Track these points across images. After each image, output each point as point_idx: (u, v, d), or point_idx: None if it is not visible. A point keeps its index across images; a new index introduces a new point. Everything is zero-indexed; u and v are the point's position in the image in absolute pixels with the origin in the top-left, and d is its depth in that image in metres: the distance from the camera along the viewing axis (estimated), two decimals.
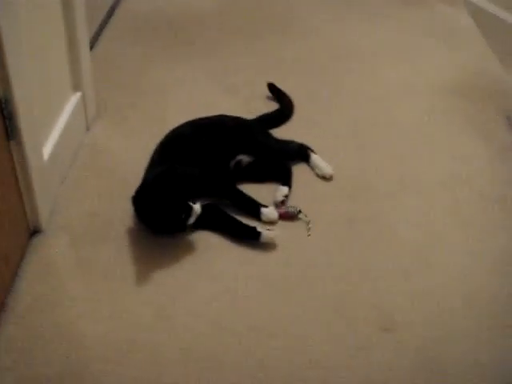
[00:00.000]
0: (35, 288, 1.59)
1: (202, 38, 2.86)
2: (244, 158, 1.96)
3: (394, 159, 2.15)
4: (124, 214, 1.82)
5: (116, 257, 1.70)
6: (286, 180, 1.97)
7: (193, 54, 2.72)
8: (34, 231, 1.74)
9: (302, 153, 2.09)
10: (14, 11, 1.45)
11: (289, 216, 1.84)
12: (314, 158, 2.06)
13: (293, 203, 1.87)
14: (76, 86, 2.05)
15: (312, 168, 2.06)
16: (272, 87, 2.41)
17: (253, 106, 2.32)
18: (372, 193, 2.00)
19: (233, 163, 1.95)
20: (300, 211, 1.84)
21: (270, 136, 2.11)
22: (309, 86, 2.53)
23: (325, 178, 2.03)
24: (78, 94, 2.05)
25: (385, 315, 1.59)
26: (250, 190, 1.90)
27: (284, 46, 2.84)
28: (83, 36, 2.03)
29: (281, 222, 1.83)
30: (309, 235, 1.80)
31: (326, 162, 2.05)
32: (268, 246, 1.75)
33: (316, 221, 1.84)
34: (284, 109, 2.32)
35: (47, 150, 1.77)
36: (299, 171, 2.03)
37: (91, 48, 2.53)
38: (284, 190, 1.92)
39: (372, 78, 2.64)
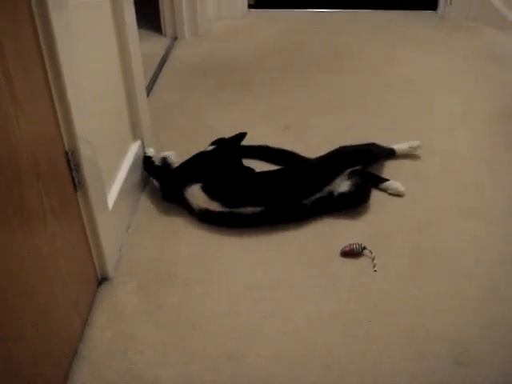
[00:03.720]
0: (106, 335, 1.61)
1: (253, 81, 2.90)
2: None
3: (456, 188, 2.12)
4: (188, 258, 1.85)
5: (183, 301, 1.71)
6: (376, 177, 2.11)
7: (245, 95, 2.77)
8: (102, 279, 1.77)
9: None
10: (78, 65, 1.50)
11: (354, 253, 1.82)
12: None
13: (357, 239, 1.85)
14: (135, 135, 2.10)
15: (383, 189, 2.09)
16: None
17: (309, 142, 2.33)
18: (436, 224, 1.97)
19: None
20: (365, 247, 1.82)
21: None
22: (363, 118, 2.54)
23: (399, 196, 2.07)
24: (138, 143, 2.10)
25: (459, 348, 1.54)
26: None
27: (336, 82, 2.86)
28: (140, 86, 2.09)
29: (346, 260, 1.82)
30: (375, 271, 1.78)
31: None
32: (335, 284, 1.74)
33: (381, 255, 1.82)
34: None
35: (111, 200, 1.81)
36: (359, 209, 2.02)
37: (147, 96, 2.59)
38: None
39: (427, 107, 2.64)
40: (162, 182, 2.04)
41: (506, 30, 3.26)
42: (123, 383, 1.49)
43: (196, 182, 1.95)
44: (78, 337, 1.59)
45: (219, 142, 2.15)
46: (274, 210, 1.91)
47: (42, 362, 1.37)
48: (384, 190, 2.09)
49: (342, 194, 1.96)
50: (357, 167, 2.01)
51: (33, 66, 1.34)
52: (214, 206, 1.91)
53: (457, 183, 2.15)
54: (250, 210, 1.90)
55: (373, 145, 2.22)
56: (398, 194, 2.07)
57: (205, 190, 1.92)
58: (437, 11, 3.66)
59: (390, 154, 2.24)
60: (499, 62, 2.98)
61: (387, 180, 2.09)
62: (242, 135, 2.17)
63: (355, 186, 1.97)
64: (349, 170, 1.99)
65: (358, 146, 2.16)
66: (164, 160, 2.07)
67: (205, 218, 1.95)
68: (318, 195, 1.94)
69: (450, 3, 3.53)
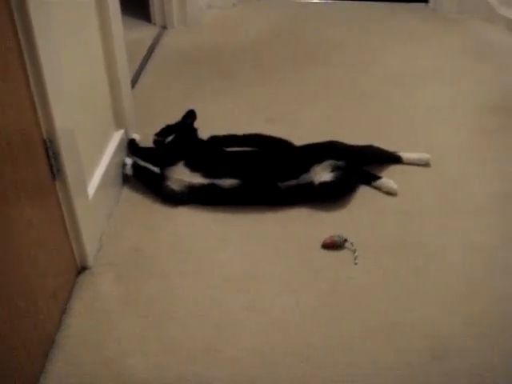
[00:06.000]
0: (84, 324, 1.60)
1: (241, 71, 2.88)
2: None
3: (441, 181, 2.11)
4: (168, 248, 1.84)
5: (162, 291, 1.70)
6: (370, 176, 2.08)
7: (233, 86, 2.74)
8: (82, 268, 1.75)
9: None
10: (57, 52, 1.48)
11: (335, 245, 1.81)
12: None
13: (339, 231, 1.85)
14: (118, 124, 2.08)
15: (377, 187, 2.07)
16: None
17: (296, 134, 2.30)
18: (420, 217, 1.96)
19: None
20: (346, 240, 1.81)
21: None
22: (351, 112, 2.52)
23: (391, 194, 2.05)
24: (121, 132, 2.08)
25: (437, 343, 1.54)
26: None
27: (324, 74, 2.84)
28: (124, 75, 2.07)
29: (327, 252, 1.82)
30: (356, 264, 1.77)
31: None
32: (315, 276, 1.74)
33: (363, 248, 1.81)
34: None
35: (92, 188, 1.79)
36: (342, 202, 2.01)
37: (133, 85, 2.58)
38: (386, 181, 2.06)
39: (414, 101, 2.61)
40: (148, 161, 2.11)
41: (497, 23, 3.24)
42: (99, 374, 1.48)
43: (179, 160, 2.03)
44: (55, 326, 1.58)
45: (168, 129, 2.20)
46: (248, 186, 1.96)
47: (16, 351, 1.36)
48: (377, 188, 2.06)
49: (323, 184, 1.95)
50: (340, 163, 2.00)
51: (8, 50, 1.31)
52: (196, 179, 1.97)
53: (443, 177, 2.13)
54: (227, 182, 1.95)
55: (370, 147, 2.18)
56: (391, 192, 2.05)
57: (187, 164, 2.00)
58: (428, 4, 3.63)
59: (394, 159, 2.18)
60: (489, 56, 2.96)
61: (380, 178, 2.07)
62: (191, 113, 2.26)
63: (337, 177, 1.96)
64: (331, 163, 1.98)
65: (349, 145, 2.14)
66: (133, 141, 2.17)
67: (188, 197, 1.99)
68: (294, 182, 1.96)
69: None
